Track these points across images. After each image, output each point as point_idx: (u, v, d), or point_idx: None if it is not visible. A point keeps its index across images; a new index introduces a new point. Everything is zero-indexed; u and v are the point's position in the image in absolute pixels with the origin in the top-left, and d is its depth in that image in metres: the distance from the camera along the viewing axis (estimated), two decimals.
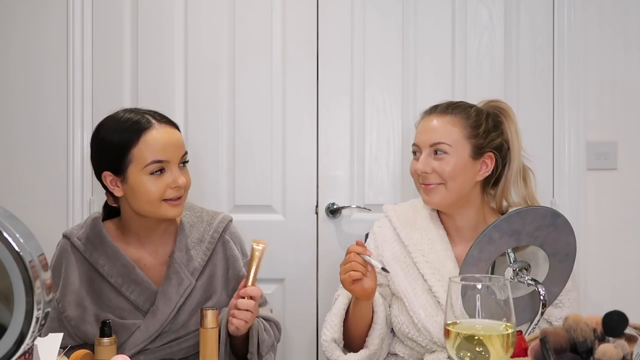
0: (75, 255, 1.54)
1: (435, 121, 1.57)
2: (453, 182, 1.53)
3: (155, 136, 1.49)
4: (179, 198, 1.51)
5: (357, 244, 1.45)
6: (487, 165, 1.57)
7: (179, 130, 1.57)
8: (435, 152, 1.54)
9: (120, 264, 1.53)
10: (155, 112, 1.56)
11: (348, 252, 1.45)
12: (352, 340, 1.55)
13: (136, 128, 1.49)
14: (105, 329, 1.27)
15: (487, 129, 1.56)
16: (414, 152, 1.61)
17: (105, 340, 1.11)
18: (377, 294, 1.53)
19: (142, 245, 1.57)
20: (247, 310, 1.42)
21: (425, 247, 1.55)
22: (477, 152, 1.55)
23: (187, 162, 1.55)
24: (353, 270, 1.42)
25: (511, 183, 1.60)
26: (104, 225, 1.58)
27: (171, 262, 1.54)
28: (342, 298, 1.58)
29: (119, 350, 1.42)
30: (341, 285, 1.53)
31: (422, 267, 1.53)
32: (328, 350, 1.53)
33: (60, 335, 1.05)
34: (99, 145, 1.52)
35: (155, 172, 1.48)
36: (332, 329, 1.54)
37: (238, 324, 1.42)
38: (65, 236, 1.58)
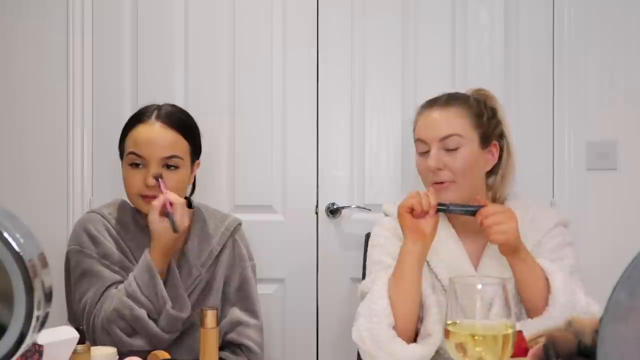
0: (105, 226, 1.57)
1: (440, 114, 1.50)
2: (464, 178, 1.48)
3: (141, 130, 1.55)
4: (152, 197, 1.52)
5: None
6: (493, 154, 1.54)
7: (182, 132, 1.57)
8: (446, 147, 1.47)
9: (149, 241, 1.55)
10: (169, 111, 1.58)
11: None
12: (396, 318, 1.36)
13: (135, 119, 1.57)
14: (79, 336, 1.25)
15: (488, 116, 1.54)
16: (419, 149, 1.53)
17: (79, 347, 1.09)
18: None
19: None
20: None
21: (437, 246, 1.48)
22: (485, 141, 1.52)
23: (176, 167, 1.55)
24: (411, 199, 1.37)
25: (510, 172, 1.59)
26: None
27: (183, 252, 1.58)
28: (383, 279, 1.40)
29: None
30: (371, 274, 1.46)
31: (435, 266, 1.48)
32: (383, 338, 1.32)
33: (74, 331, 1.04)
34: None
35: (133, 164, 1.53)
36: (383, 312, 1.34)
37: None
38: (93, 211, 1.62)
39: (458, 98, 1.54)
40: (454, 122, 1.49)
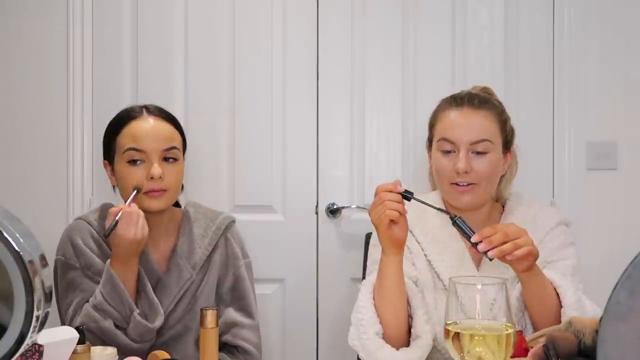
0: (90, 233, 1.55)
1: (474, 116, 1.44)
2: (487, 182, 1.46)
3: (137, 125, 1.53)
4: (157, 190, 1.50)
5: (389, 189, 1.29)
6: (507, 159, 1.54)
7: (175, 125, 1.57)
8: (475, 150, 1.43)
9: None
10: (156, 107, 1.59)
11: (377, 193, 1.31)
12: (384, 326, 1.35)
13: (125, 117, 1.55)
14: (79, 336, 1.25)
15: (508, 119, 1.53)
16: (442, 148, 1.46)
17: (79, 347, 1.09)
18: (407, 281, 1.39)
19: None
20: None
21: (440, 246, 1.48)
22: (506, 147, 1.51)
23: (175, 159, 1.53)
24: (389, 209, 1.27)
25: (514, 176, 1.59)
26: None
27: (173, 254, 1.56)
28: (367, 286, 1.40)
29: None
30: (372, 273, 1.42)
31: (437, 266, 1.47)
32: (372, 348, 1.32)
33: (74, 331, 1.04)
34: (104, 134, 1.59)
35: (132, 161, 1.50)
36: (369, 321, 1.33)
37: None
38: (80, 218, 1.60)
39: (487, 100, 1.50)
40: (486, 127, 1.45)
